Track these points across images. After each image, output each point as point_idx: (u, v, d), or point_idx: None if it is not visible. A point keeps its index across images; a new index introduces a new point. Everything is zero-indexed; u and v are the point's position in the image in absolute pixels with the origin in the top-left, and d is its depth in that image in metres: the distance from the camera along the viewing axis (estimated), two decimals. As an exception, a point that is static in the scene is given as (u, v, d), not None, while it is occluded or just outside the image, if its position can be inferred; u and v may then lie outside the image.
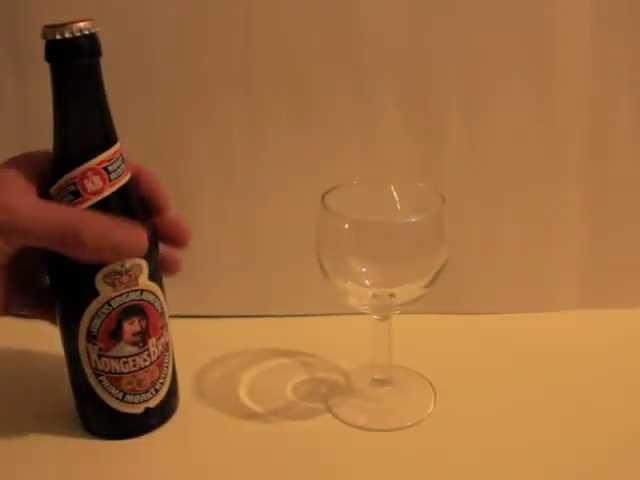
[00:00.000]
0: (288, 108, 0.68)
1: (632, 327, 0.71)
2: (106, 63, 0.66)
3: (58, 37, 0.48)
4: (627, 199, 0.71)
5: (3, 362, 0.67)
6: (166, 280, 0.73)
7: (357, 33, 0.66)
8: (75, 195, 0.49)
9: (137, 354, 0.54)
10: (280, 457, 0.55)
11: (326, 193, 0.56)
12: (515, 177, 0.70)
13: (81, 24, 0.48)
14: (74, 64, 0.49)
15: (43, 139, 0.67)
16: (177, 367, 0.60)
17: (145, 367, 0.55)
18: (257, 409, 0.61)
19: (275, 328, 0.71)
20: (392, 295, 0.57)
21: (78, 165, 0.49)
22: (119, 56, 0.66)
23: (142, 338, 0.54)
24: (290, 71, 0.67)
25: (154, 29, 0.66)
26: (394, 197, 0.60)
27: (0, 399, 0.62)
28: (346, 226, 0.55)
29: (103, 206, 0.50)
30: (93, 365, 0.54)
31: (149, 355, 0.55)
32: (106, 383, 0.54)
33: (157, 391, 0.56)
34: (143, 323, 0.54)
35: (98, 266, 0.51)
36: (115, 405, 0.55)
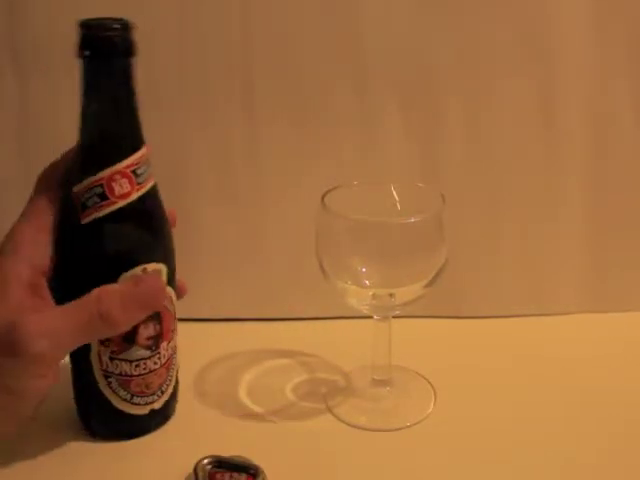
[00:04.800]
0: (288, 108, 0.68)
1: (632, 330, 0.71)
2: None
3: (107, 33, 0.48)
4: (628, 199, 0.71)
5: None
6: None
7: (357, 33, 0.66)
8: (101, 197, 0.49)
9: (149, 357, 0.54)
10: (280, 457, 0.55)
11: (326, 193, 0.56)
12: (515, 177, 0.70)
13: (121, 22, 0.49)
14: (120, 61, 0.49)
15: (43, 139, 0.68)
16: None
17: (155, 370, 0.54)
18: (257, 409, 0.61)
19: (275, 329, 0.71)
20: (392, 295, 0.57)
21: (106, 166, 0.49)
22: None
23: (155, 342, 0.53)
24: (290, 70, 0.67)
25: (153, 29, 0.66)
26: (394, 197, 0.60)
27: None
28: (346, 226, 0.55)
29: (129, 210, 0.50)
30: (104, 367, 0.53)
31: (159, 358, 0.54)
32: (115, 385, 0.54)
33: (163, 393, 0.56)
34: (158, 327, 0.53)
35: (120, 271, 0.50)
36: (121, 406, 0.55)
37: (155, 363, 0.54)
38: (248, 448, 0.54)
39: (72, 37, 0.65)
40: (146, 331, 0.53)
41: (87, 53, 0.48)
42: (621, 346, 0.69)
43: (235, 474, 0.51)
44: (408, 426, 0.59)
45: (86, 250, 0.51)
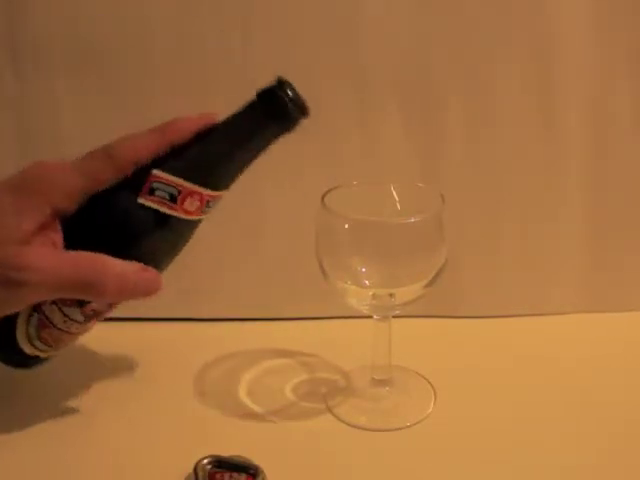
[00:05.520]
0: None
1: (631, 330, 0.71)
2: (106, 63, 0.67)
3: (297, 112, 0.52)
4: (628, 199, 0.71)
5: None
6: (166, 283, 0.73)
7: (357, 33, 0.66)
8: (171, 198, 0.50)
9: (78, 322, 0.54)
10: (280, 457, 0.55)
11: (326, 193, 0.56)
12: (515, 177, 0.70)
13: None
14: (282, 133, 0.52)
15: (43, 139, 0.68)
16: (177, 367, 0.61)
17: (71, 333, 0.55)
18: (257, 409, 0.61)
19: (275, 329, 0.71)
20: (392, 295, 0.57)
21: (197, 182, 0.51)
22: (119, 56, 0.66)
23: (92, 316, 0.54)
24: (289, 71, 0.67)
25: (154, 29, 0.66)
26: (394, 197, 0.60)
27: None
28: (346, 226, 0.55)
29: (177, 223, 0.51)
30: (40, 303, 0.53)
31: (82, 328, 0.55)
32: (33, 321, 0.53)
33: (54, 351, 0.56)
34: (105, 308, 0.54)
35: (129, 257, 0.51)
36: (19, 337, 0.54)
37: (77, 329, 0.55)
38: (248, 448, 0.54)
39: (71, 37, 0.66)
40: (94, 305, 0.53)
41: (271, 112, 0.51)
42: (621, 346, 0.69)
43: (235, 474, 0.51)
44: (408, 426, 0.59)
45: (120, 219, 0.52)
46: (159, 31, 0.66)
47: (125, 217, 0.52)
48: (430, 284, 0.56)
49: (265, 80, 0.67)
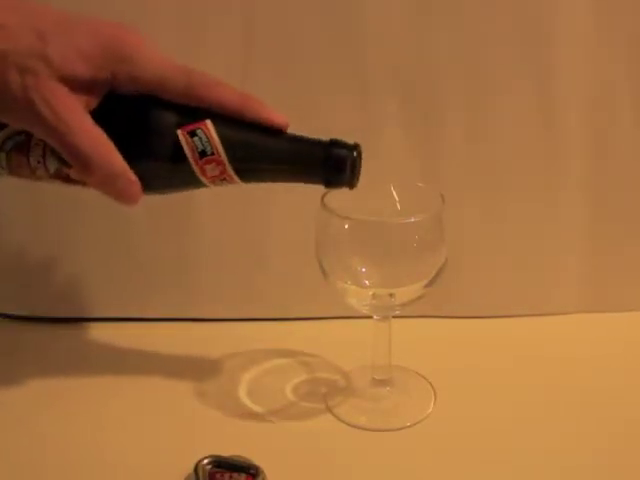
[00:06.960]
0: (288, 108, 0.68)
1: (631, 330, 0.71)
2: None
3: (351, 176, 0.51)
4: (627, 199, 0.71)
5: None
6: (166, 283, 0.73)
7: (358, 33, 0.66)
8: (200, 152, 0.51)
9: (46, 172, 0.54)
10: (280, 457, 0.55)
11: (326, 193, 0.56)
12: (515, 177, 0.70)
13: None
14: (329, 180, 0.52)
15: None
16: (177, 367, 0.61)
17: (32, 174, 0.54)
18: (257, 409, 0.61)
19: (275, 329, 0.71)
20: (392, 295, 0.57)
21: (230, 159, 0.51)
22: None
23: (62, 178, 0.54)
24: (290, 71, 0.67)
25: (154, 29, 0.66)
26: (394, 197, 0.60)
27: None
28: (346, 226, 0.55)
29: (186, 172, 0.51)
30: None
31: (44, 178, 0.54)
32: (16, 139, 0.53)
33: (7, 174, 0.55)
34: (76, 181, 0.54)
35: (140, 172, 0.51)
36: None
37: (40, 175, 0.54)
38: (248, 448, 0.54)
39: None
40: (70, 174, 0.53)
41: (328, 159, 0.52)
42: (621, 346, 0.69)
43: (235, 474, 0.51)
44: (408, 426, 0.59)
45: (149, 131, 0.52)
46: (159, 30, 0.66)
47: (155, 134, 0.52)
48: (430, 284, 0.56)
49: (265, 81, 0.67)
